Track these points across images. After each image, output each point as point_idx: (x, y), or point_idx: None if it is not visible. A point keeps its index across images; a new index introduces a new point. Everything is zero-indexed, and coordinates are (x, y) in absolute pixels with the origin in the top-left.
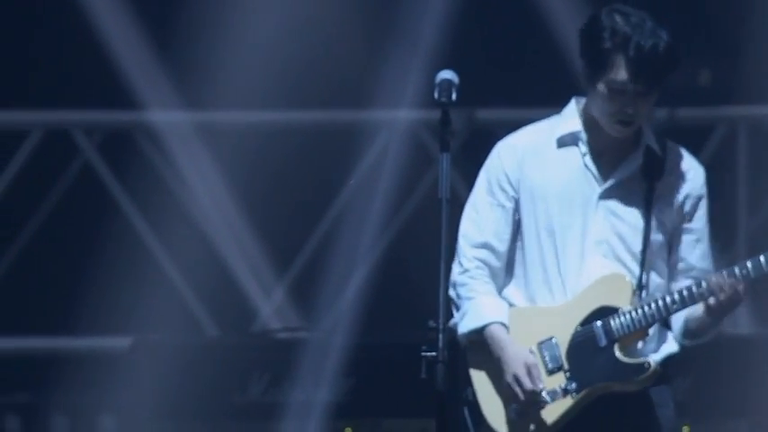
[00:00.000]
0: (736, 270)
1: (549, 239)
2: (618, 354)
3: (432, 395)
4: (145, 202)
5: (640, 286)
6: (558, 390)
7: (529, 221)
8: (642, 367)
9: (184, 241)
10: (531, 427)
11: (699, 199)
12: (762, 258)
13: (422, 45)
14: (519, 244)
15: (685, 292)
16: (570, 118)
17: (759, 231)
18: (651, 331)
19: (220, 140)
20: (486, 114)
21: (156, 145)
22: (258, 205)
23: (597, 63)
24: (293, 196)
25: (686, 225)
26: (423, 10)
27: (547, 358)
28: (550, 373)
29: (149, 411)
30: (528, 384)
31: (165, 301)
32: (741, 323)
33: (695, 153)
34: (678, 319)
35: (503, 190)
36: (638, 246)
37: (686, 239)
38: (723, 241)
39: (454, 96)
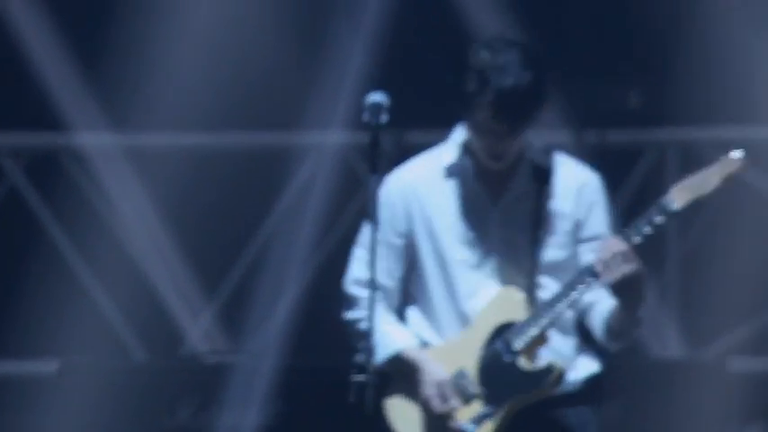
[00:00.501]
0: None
1: (446, 270)
2: (523, 365)
3: (361, 419)
4: (72, 226)
5: (532, 297)
6: (478, 417)
7: (425, 253)
8: (548, 370)
9: (112, 265)
10: None
11: (593, 206)
12: (628, 232)
13: (351, 67)
14: (418, 275)
15: (571, 279)
16: (456, 145)
17: (689, 255)
18: (565, 335)
19: (148, 163)
20: (415, 137)
21: (83, 168)
22: (187, 228)
23: (464, 103)
24: (222, 219)
25: (585, 234)
26: (353, 32)
27: (460, 390)
28: (468, 403)
29: None
30: (437, 407)
31: (93, 324)
32: (670, 346)
33: (624, 176)
34: (599, 323)
35: (393, 227)
36: (543, 262)
37: (587, 248)
38: (653, 266)
39: (384, 119)
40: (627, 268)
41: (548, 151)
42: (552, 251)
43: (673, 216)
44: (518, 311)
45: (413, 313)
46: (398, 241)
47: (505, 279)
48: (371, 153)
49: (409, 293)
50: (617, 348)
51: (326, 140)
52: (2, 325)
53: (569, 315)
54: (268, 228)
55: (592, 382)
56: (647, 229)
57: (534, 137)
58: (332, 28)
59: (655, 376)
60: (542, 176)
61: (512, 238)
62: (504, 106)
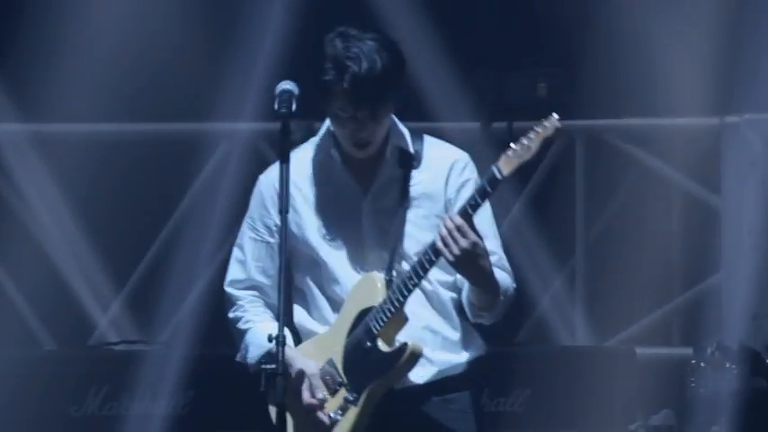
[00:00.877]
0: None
1: (321, 261)
2: (382, 347)
3: (267, 409)
4: None
5: (390, 280)
6: (343, 404)
7: (300, 246)
8: (401, 350)
9: (20, 254)
10: None
11: (463, 185)
12: (485, 181)
13: (262, 57)
14: (296, 268)
15: (419, 257)
16: (324, 139)
17: (596, 242)
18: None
19: (59, 154)
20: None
21: None
22: (96, 218)
23: (322, 94)
24: (132, 209)
25: (454, 212)
26: (263, 22)
27: (328, 380)
28: (334, 392)
29: None
30: (306, 399)
31: (1, 313)
32: (579, 336)
33: (533, 165)
34: (465, 300)
35: (266, 225)
36: (411, 249)
37: None
38: (561, 252)
39: (294, 107)
40: (464, 243)
41: (416, 135)
42: (423, 234)
43: (500, 183)
44: (379, 296)
45: (297, 305)
46: (272, 239)
47: (379, 266)
48: (282, 142)
49: (294, 286)
50: (488, 322)
51: (237, 129)
52: None
53: (447, 297)
54: (178, 217)
55: (472, 366)
56: (478, 200)
57: (439, 127)
58: (242, 18)
59: (563, 365)
60: (410, 161)
61: (383, 224)
62: (361, 92)
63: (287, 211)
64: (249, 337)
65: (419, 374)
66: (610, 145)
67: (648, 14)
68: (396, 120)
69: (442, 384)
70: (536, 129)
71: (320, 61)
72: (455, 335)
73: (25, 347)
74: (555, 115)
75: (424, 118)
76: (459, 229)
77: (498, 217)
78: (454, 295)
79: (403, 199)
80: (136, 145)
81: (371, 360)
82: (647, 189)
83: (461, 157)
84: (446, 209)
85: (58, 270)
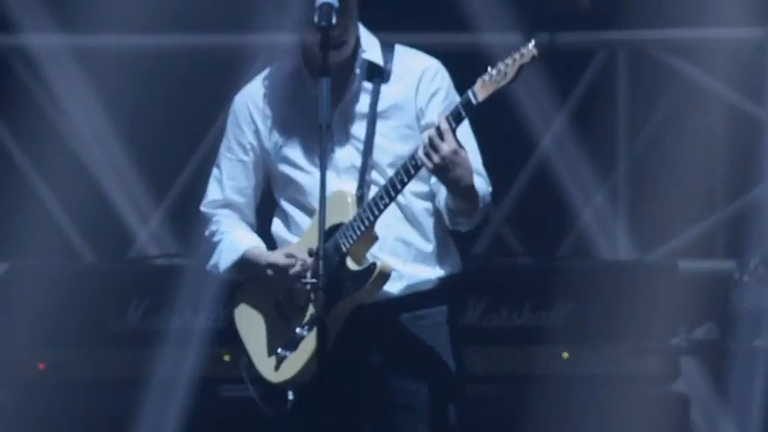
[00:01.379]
0: (440, 120)
1: (296, 175)
2: (350, 265)
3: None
4: (21, 129)
5: (360, 198)
6: (310, 320)
7: (274, 162)
8: (370, 270)
9: (61, 168)
10: (300, 362)
11: (433, 94)
12: (460, 104)
13: None
14: (273, 183)
15: (393, 179)
16: (294, 56)
17: (639, 156)
18: (387, 233)
19: (98, 65)
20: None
21: (31, 69)
22: (135, 131)
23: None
24: (172, 121)
25: (426, 122)
26: None
27: (298, 294)
28: (300, 309)
29: (26, 338)
30: (290, 268)
31: (41, 227)
32: (621, 250)
33: (575, 79)
34: (443, 207)
35: (240, 144)
36: (384, 160)
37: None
38: (603, 165)
39: (335, 20)
40: (446, 149)
41: (387, 46)
42: (394, 145)
43: (475, 109)
44: (347, 212)
45: (276, 218)
46: (246, 157)
47: (351, 178)
48: (322, 55)
49: (272, 201)
50: (466, 229)
51: (277, 42)
52: None
53: (421, 207)
54: (217, 131)
55: (447, 282)
56: (452, 124)
57: (478, 38)
58: None
59: (605, 279)
60: (378, 71)
61: (357, 136)
62: None
63: (328, 126)
64: (222, 246)
65: (388, 288)
66: (652, 57)
67: None
68: (365, 31)
69: (412, 300)
70: (513, 55)
71: None
72: (429, 247)
73: (66, 260)
74: (532, 42)
75: (463, 28)
76: (441, 136)
77: (539, 129)
78: (429, 205)
79: (372, 111)
80: (175, 57)
81: (340, 277)
82: (689, 101)
83: (431, 65)
84: (417, 119)
85: (98, 183)
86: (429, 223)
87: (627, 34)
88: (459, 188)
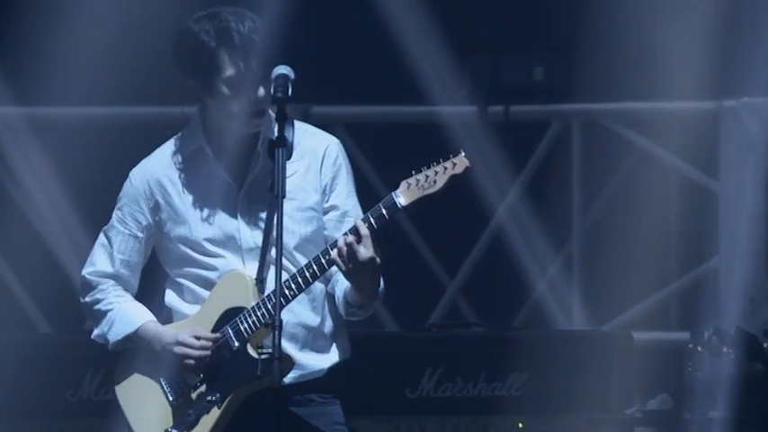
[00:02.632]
0: (359, 224)
1: (197, 254)
2: (251, 352)
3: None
4: None
5: (261, 279)
6: (205, 402)
7: (175, 239)
8: (271, 359)
9: (17, 239)
10: None
11: (335, 174)
12: (383, 206)
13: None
14: (171, 259)
15: (304, 271)
16: (195, 133)
17: (593, 227)
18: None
19: (53, 136)
20: (321, 110)
21: None
22: (91, 202)
23: (206, 69)
24: None
25: (329, 203)
26: (258, 6)
27: (188, 376)
28: (194, 388)
29: None
30: (193, 342)
31: (0, 300)
32: (575, 320)
33: (530, 150)
34: (340, 296)
35: (136, 220)
36: (290, 242)
37: (332, 217)
38: (558, 236)
39: (290, 92)
40: (363, 255)
41: (284, 121)
42: (298, 226)
43: (398, 211)
44: (246, 297)
45: (169, 291)
46: (141, 234)
47: (255, 259)
48: (279, 125)
49: (166, 275)
50: (360, 318)
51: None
52: None
53: (320, 289)
54: None
55: (333, 373)
56: (373, 224)
57: (436, 111)
58: (238, 2)
59: (560, 350)
60: (281, 152)
61: (258, 218)
62: (247, 48)
63: (284, 196)
64: (112, 316)
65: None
66: (606, 129)
67: None
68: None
69: (305, 387)
70: (443, 163)
71: (192, 40)
72: (327, 332)
73: (23, 332)
74: (463, 152)
75: (419, 102)
76: (359, 240)
77: (495, 200)
78: (323, 287)
79: (277, 193)
80: (129, 128)
81: (239, 362)
82: (644, 174)
83: (332, 143)
84: (321, 199)
85: (54, 255)
86: (327, 308)
87: (581, 106)
88: (366, 289)
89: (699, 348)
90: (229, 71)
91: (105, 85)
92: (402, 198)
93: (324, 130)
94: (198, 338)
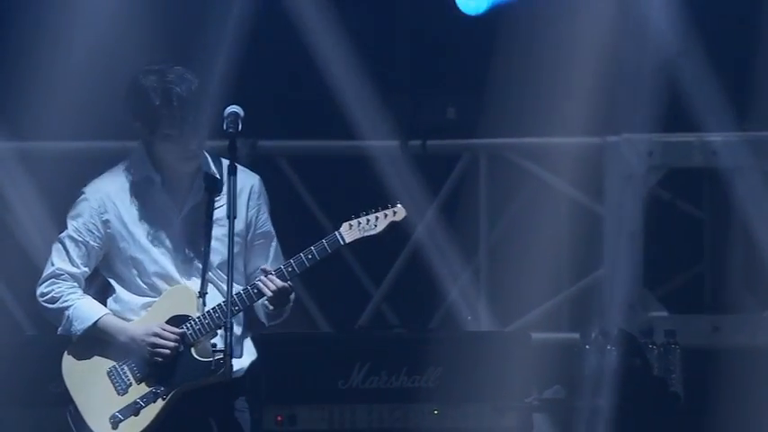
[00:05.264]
0: (282, 269)
1: (140, 268)
2: (195, 355)
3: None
4: None
5: (203, 294)
6: (151, 394)
7: (123, 252)
8: (215, 362)
9: (8, 258)
10: (140, 427)
11: (258, 207)
12: (302, 256)
13: (213, 82)
14: (117, 270)
15: (243, 294)
16: (143, 162)
17: (497, 243)
18: (220, 331)
19: (39, 167)
20: (267, 144)
21: None
22: None
23: (150, 120)
24: None
25: (256, 232)
26: (215, 51)
27: (135, 368)
28: (140, 381)
29: None
30: (169, 335)
31: None
32: (482, 323)
33: (443, 178)
34: (258, 307)
35: (90, 231)
36: (216, 261)
37: (256, 246)
38: (468, 251)
39: (240, 127)
40: (286, 298)
41: (216, 159)
42: (225, 249)
43: (341, 247)
44: (194, 308)
45: (111, 300)
46: (94, 243)
47: (190, 277)
48: (230, 157)
49: (108, 283)
50: (273, 324)
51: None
52: None
53: (239, 290)
54: None
55: (250, 371)
56: (315, 256)
57: (363, 144)
58: (197, 47)
59: (470, 347)
60: (214, 185)
61: (193, 241)
62: (186, 110)
63: (235, 216)
64: (73, 312)
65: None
66: (508, 160)
67: (542, 48)
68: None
69: (230, 385)
70: (384, 211)
71: (141, 93)
72: (247, 336)
73: (11, 333)
74: (399, 204)
75: (350, 137)
76: (283, 289)
77: (414, 220)
78: (240, 289)
79: (209, 219)
80: (107, 160)
81: (184, 363)
82: (540, 198)
83: (256, 181)
84: (247, 229)
85: (40, 269)
86: (243, 314)
87: (487, 141)
88: (281, 310)
89: (587, 346)
90: (167, 129)
91: (80, 122)
92: (346, 236)
93: (268, 161)
94: (170, 333)
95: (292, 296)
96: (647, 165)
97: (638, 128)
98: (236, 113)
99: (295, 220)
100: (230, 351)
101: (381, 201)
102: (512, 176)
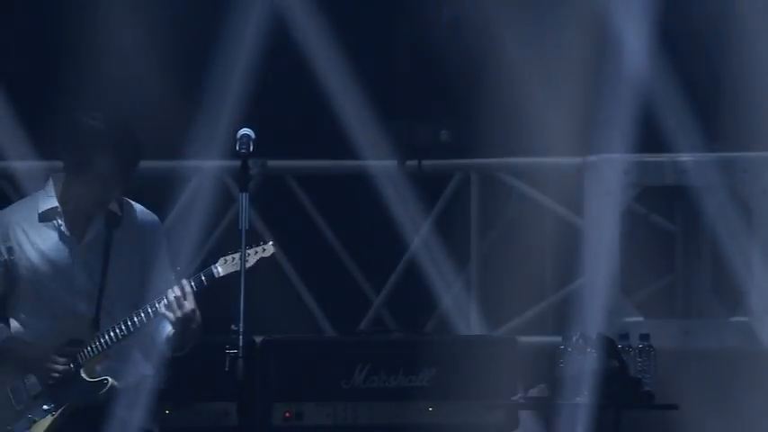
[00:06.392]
0: (184, 284)
1: (41, 294)
2: (84, 376)
3: (232, 384)
4: None
5: (96, 321)
6: (42, 410)
7: (24, 280)
8: (102, 384)
9: None
10: None
11: (154, 243)
12: (203, 274)
13: (226, 104)
14: (18, 296)
15: (134, 318)
16: (50, 195)
17: (487, 254)
18: (112, 353)
19: None
20: (276, 164)
21: (15, 188)
22: None
23: (80, 163)
24: None
25: (152, 266)
26: (228, 73)
27: (32, 386)
28: (35, 398)
29: None
30: (59, 359)
31: None
32: (473, 327)
33: (437, 195)
34: (161, 337)
35: None
36: (113, 289)
37: (154, 273)
38: (460, 260)
39: (251, 148)
40: (188, 307)
41: (119, 198)
42: (118, 275)
43: (215, 279)
44: (85, 332)
45: (12, 321)
46: None
47: (87, 302)
48: (241, 176)
49: (11, 306)
50: (178, 355)
51: (206, 166)
52: None
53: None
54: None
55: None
56: (193, 286)
57: (363, 164)
58: (209, 69)
59: (463, 349)
60: (115, 218)
61: (91, 270)
62: (124, 156)
63: (247, 228)
64: None
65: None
66: (498, 179)
67: (528, 73)
68: None
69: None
70: (255, 248)
71: (75, 136)
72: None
73: None
74: (272, 242)
75: (351, 156)
76: (184, 296)
77: (411, 233)
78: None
79: (107, 251)
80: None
81: (74, 383)
82: (526, 212)
83: (154, 219)
84: (143, 261)
85: None
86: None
87: (478, 161)
88: (188, 335)
89: (569, 349)
90: (97, 169)
91: None
92: (220, 269)
93: (276, 179)
94: (61, 358)
95: (195, 325)
96: (624, 182)
97: (615, 149)
98: (248, 136)
99: (302, 235)
100: (242, 353)
101: (256, 237)
102: (500, 193)
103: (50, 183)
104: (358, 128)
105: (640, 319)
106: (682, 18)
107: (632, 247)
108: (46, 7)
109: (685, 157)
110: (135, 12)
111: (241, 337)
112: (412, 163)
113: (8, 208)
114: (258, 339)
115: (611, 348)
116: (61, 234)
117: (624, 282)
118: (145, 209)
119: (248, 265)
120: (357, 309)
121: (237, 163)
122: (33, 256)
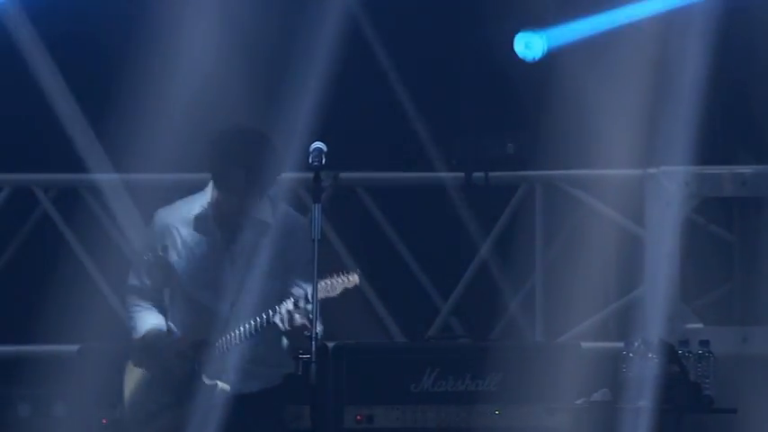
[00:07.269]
0: (300, 304)
1: (191, 291)
2: (204, 379)
3: (306, 388)
4: (88, 242)
5: (226, 321)
6: (164, 401)
7: (177, 275)
8: (212, 387)
9: (118, 270)
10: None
11: (303, 248)
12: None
13: (300, 119)
14: (171, 289)
15: (248, 325)
16: (206, 197)
17: (551, 262)
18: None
19: (143, 196)
20: (347, 176)
21: (96, 198)
22: None
23: (217, 176)
24: None
25: (296, 270)
26: (300, 94)
27: (172, 374)
28: (177, 387)
29: (93, 401)
30: (188, 355)
31: (105, 317)
32: (538, 333)
33: (504, 205)
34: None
35: (153, 249)
36: (256, 293)
37: (293, 279)
38: (525, 270)
39: (323, 161)
40: (297, 322)
41: (273, 202)
42: (269, 282)
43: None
44: (218, 331)
45: (171, 315)
46: (157, 261)
47: (229, 305)
48: (314, 187)
49: (168, 298)
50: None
51: (282, 178)
52: (36, 319)
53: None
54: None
55: (285, 380)
56: (300, 306)
57: (435, 176)
58: (284, 91)
59: (528, 354)
60: (263, 228)
61: (236, 275)
62: (255, 173)
63: (319, 239)
64: (136, 317)
65: (248, 385)
66: (561, 190)
67: (591, 88)
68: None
69: (262, 395)
70: (341, 278)
71: (221, 149)
72: (280, 359)
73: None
74: (358, 273)
75: (427, 169)
76: (298, 315)
77: (479, 242)
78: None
79: (254, 256)
80: (187, 187)
81: (194, 382)
82: (588, 222)
83: (302, 224)
84: (289, 265)
85: None
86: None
87: (542, 173)
88: (297, 337)
89: (630, 354)
90: (234, 182)
91: (181, 155)
92: (319, 294)
93: (348, 191)
94: (185, 356)
95: (308, 333)
96: (684, 194)
97: (676, 161)
98: (320, 149)
99: (372, 244)
100: (314, 358)
101: (343, 267)
102: (564, 204)
103: (209, 188)
104: (427, 141)
105: (700, 325)
106: (741, 32)
107: (692, 256)
108: (122, 21)
109: (743, 169)
110: (211, 24)
111: (314, 342)
112: (479, 175)
113: (169, 208)
114: (330, 345)
115: (672, 354)
116: (211, 239)
117: (684, 290)
118: (296, 213)
119: (335, 293)
120: (426, 315)
121: (310, 175)
122: (184, 256)
